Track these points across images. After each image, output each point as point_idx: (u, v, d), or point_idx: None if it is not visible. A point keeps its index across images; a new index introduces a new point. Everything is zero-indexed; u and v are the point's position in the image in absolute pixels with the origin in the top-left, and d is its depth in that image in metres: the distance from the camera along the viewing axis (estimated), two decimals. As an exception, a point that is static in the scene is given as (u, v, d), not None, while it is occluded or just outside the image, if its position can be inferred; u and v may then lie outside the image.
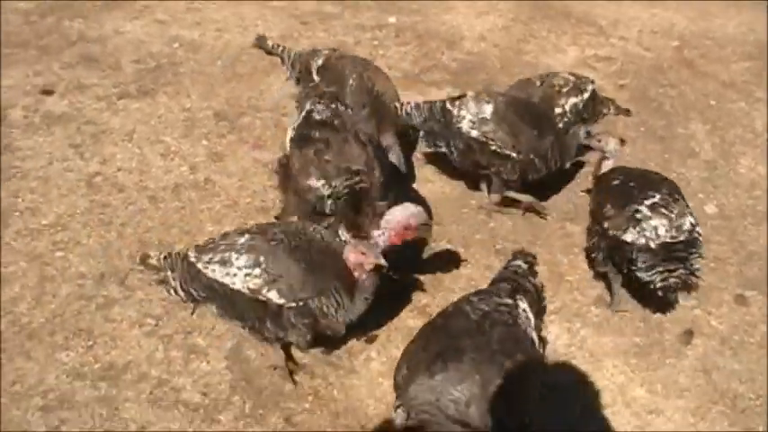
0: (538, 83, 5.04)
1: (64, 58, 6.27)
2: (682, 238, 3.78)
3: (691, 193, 4.79)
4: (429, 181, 4.91)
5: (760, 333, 4.02)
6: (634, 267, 3.83)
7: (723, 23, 7.61)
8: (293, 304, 3.24)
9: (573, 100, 4.99)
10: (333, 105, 4.10)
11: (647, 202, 3.84)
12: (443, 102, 4.52)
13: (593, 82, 5.19)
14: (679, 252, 3.78)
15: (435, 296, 4.06)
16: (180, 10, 7.26)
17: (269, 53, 5.37)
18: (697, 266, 3.83)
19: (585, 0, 8.04)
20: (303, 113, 4.09)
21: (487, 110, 4.36)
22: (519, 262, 3.45)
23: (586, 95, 5.05)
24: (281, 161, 4.09)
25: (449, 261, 4.30)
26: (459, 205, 4.71)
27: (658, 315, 4.06)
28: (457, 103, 4.42)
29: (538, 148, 4.37)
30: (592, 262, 4.21)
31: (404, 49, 6.59)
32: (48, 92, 5.74)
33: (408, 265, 4.05)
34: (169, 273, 3.41)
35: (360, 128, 4.07)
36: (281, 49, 5.29)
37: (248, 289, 3.23)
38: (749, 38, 7.31)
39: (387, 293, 3.61)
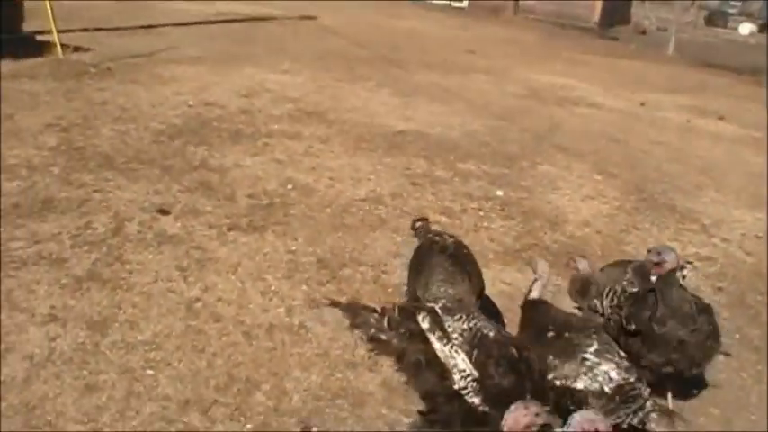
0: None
1: (184, 181, 6.60)
2: (632, 379, 3.72)
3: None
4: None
5: None
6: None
7: (829, 230, 7.51)
8: None
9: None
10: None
11: (591, 350, 3.81)
12: None
13: None
14: (633, 391, 3.71)
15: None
16: (298, 152, 7.64)
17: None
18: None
19: (691, 197, 8.11)
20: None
21: None
22: None
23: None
24: None
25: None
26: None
27: None
28: None
29: None
30: None
31: (508, 223, 6.69)
32: (164, 212, 6.01)
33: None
34: None
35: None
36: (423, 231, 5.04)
37: None
38: None
39: None
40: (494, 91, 12.68)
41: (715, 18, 35.32)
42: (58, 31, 10.91)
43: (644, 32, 24.76)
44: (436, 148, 8.62)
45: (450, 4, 26.54)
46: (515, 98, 12.31)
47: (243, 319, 4.69)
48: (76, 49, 11.27)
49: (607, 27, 24.41)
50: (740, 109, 13.85)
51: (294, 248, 5.67)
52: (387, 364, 4.39)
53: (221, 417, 3.87)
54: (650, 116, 12.23)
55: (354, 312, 3.93)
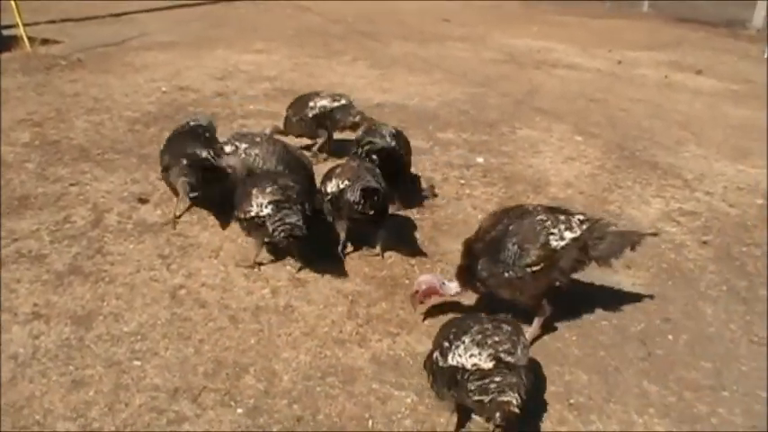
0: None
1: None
2: None
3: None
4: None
5: None
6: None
7: (809, 181, 7.50)
8: None
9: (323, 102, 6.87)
10: None
11: None
12: None
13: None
14: None
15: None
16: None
17: None
18: None
19: (672, 152, 8.08)
20: None
21: None
22: None
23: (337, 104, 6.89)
24: None
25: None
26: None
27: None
28: None
29: None
30: None
31: (490, 190, 6.66)
32: (143, 200, 5.95)
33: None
34: None
35: None
36: None
37: None
38: (838, 195, 7.15)
39: None
40: (471, 58, 12.58)
41: (688, -29, 35.19)
42: (25, 25, 10.76)
43: (617, -10, 24.60)
44: (415, 118, 8.57)
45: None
46: (493, 64, 12.22)
47: (228, 304, 4.66)
48: (45, 41, 11.11)
49: (581, -13, 24.25)
50: (717, 62, 13.77)
51: (276, 228, 5.59)
52: (375, 338, 4.39)
53: (212, 403, 3.85)
54: (628, 74, 12.16)
55: None
